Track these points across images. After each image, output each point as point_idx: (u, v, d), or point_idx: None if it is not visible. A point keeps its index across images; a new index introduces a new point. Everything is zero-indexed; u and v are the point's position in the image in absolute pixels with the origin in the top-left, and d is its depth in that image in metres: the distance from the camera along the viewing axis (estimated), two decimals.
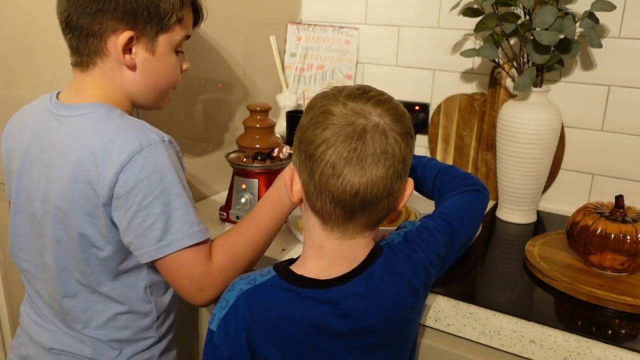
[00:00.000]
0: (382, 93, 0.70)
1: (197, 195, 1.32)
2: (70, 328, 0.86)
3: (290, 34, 1.57)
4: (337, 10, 1.53)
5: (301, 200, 0.72)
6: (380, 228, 0.91)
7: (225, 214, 1.18)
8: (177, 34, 0.84)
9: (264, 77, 1.45)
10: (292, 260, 0.75)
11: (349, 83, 1.52)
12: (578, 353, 0.78)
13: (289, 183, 0.71)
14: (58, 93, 0.86)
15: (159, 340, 0.90)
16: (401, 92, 1.48)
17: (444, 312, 0.87)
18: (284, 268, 0.72)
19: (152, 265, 0.83)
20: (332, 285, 0.70)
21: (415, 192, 0.97)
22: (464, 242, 0.84)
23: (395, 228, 0.85)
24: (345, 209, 0.67)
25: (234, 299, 0.70)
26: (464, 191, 0.88)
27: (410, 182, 0.72)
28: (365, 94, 0.68)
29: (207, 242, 0.81)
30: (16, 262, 0.92)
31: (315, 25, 1.54)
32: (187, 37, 0.88)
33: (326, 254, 0.71)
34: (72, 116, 0.80)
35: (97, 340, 0.86)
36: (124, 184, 0.74)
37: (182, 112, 1.24)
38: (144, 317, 0.87)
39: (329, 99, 0.68)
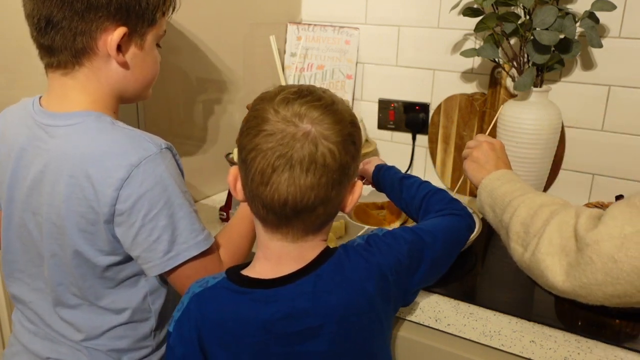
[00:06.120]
0: (319, 97, 0.66)
1: (197, 195, 1.32)
2: (66, 338, 0.84)
3: (290, 34, 1.57)
4: (337, 10, 1.53)
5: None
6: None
7: (225, 214, 1.18)
8: (161, 27, 0.82)
9: (264, 77, 1.45)
10: (247, 264, 0.74)
11: (349, 83, 1.52)
12: (578, 353, 0.78)
13: (233, 182, 0.71)
14: (40, 97, 0.82)
15: (157, 348, 0.89)
16: (401, 92, 1.48)
17: (444, 312, 0.87)
18: (234, 271, 0.72)
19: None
20: (279, 284, 0.68)
21: None
22: (435, 261, 0.80)
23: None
24: (277, 216, 0.66)
25: (187, 301, 0.71)
26: (447, 214, 0.87)
27: (358, 185, 0.71)
28: (300, 99, 0.65)
29: (214, 245, 0.81)
30: (9, 271, 0.88)
31: (315, 25, 1.54)
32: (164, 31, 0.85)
33: (272, 254, 0.70)
34: (60, 126, 0.76)
35: (95, 350, 0.84)
36: (125, 200, 0.72)
37: (182, 112, 1.24)
38: (144, 326, 0.86)
39: (266, 102, 0.66)
